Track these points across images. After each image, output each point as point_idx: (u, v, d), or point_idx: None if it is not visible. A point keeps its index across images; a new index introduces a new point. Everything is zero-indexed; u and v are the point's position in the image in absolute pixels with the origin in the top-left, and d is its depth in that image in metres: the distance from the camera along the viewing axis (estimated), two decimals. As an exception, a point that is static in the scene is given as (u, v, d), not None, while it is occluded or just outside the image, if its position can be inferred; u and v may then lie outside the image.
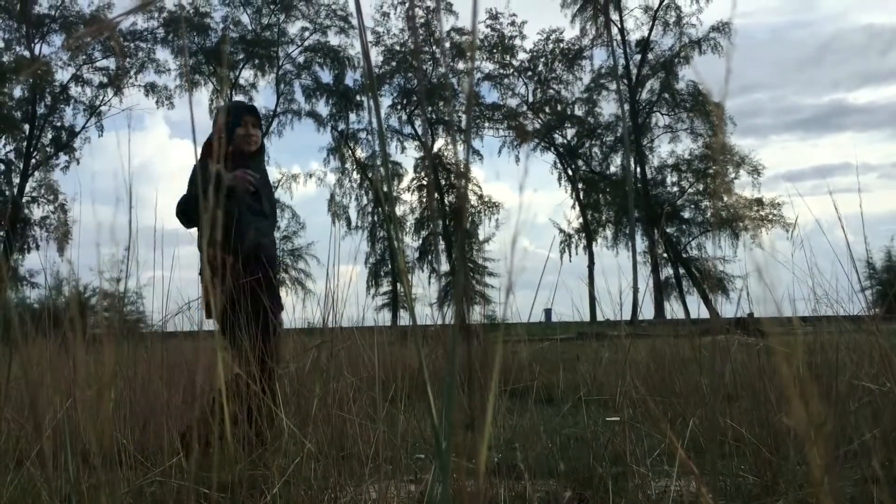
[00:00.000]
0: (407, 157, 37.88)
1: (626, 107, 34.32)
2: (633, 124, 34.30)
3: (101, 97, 33.51)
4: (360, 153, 37.64)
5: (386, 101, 37.23)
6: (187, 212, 3.34)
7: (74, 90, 33.27)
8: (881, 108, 46.32)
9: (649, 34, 34.88)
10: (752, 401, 2.66)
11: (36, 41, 32.40)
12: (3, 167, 31.71)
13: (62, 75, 32.89)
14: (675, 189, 34.54)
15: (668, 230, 33.38)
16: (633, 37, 35.51)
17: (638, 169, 34.49)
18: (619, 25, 35.39)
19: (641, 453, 2.50)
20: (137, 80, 33.93)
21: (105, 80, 33.46)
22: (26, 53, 32.03)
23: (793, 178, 44.00)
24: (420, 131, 37.16)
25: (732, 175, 33.34)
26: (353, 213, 37.17)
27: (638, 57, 35.19)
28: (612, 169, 36.32)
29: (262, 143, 3.77)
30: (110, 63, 33.36)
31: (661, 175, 35.00)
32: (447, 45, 36.73)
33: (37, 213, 32.21)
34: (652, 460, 2.50)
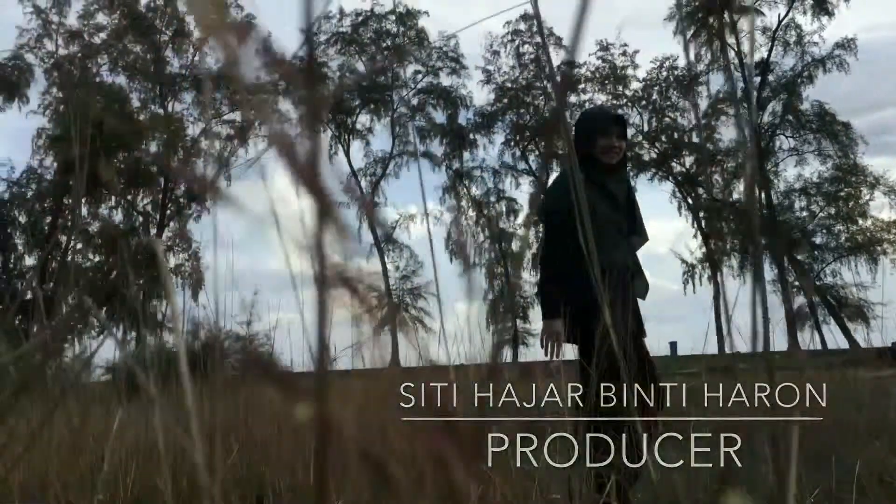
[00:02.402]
0: (522, 192, 37.78)
1: (748, 131, 33.30)
2: (755, 149, 33.23)
3: (228, 148, 35.12)
4: (475, 191, 37.93)
5: (499, 139, 37.53)
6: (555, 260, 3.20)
7: (204, 143, 35.00)
8: None
9: (769, 55, 33.90)
10: None
11: (168, 99, 34.34)
12: (141, 219, 33.56)
13: (193, 130, 34.70)
14: (805, 214, 33.20)
15: (798, 257, 32.05)
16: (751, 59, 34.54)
17: (763, 194, 33.34)
18: (736, 49, 34.53)
19: None
20: (262, 131, 35.34)
21: (232, 132, 35.04)
22: (160, 111, 33.99)
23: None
24: (534, 166, 37.17)
25: (867, 197, 31.85)
26: (469, 251, 37.29)
27: (758, 79, 34.21)
28: (735, 196, 35.26)
29: (625, 155, 3.50)
30: (236, 116, 34.97)
31: (788, 200, 33.73)
32: (558, 79, 36.69)
33: (172, 261, 33.86)
34: None
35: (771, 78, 34.03)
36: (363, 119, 37.16)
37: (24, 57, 32.80)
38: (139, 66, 34.03)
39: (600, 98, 36.83)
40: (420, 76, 37.39)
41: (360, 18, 36.69)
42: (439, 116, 37.51)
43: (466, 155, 37.43)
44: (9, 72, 32.40)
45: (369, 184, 37.02)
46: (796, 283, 31.61)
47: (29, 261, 31.33)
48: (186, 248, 34.00)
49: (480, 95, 47.06)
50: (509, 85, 36.95)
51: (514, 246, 37.37)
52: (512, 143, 37.33)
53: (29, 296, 29.62)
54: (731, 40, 34.68)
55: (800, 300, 31.99)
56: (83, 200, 32.44)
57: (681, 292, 34.59)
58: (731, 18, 36.35)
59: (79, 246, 32.77)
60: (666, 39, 36.29)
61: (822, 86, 33.60)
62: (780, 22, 33.53)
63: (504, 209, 37.54)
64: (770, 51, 33.81)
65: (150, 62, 34.07)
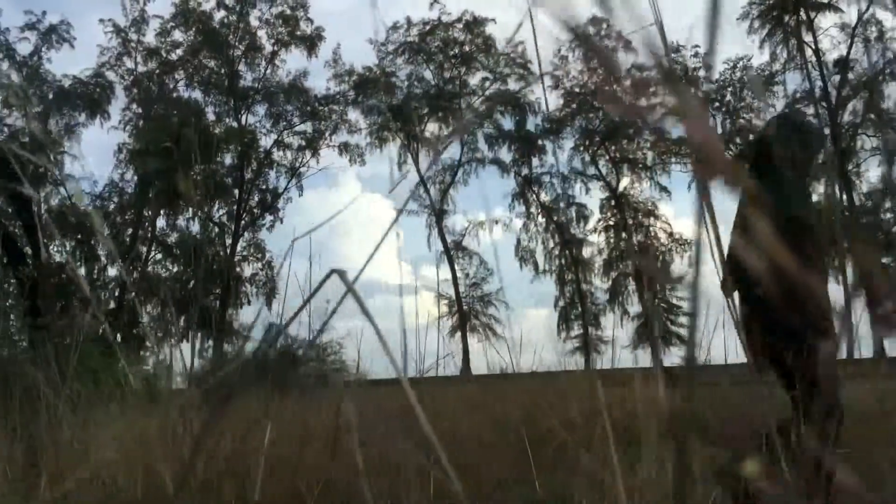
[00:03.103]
0: (592, 198, 37.36)
1: (827, 131, 32.28)
2: (835, 149, 32.15)
3: (300, 159, 35.71)
4: (545, 196, 37.69)
5: (568, 144, 37.23)
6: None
7: (276, 154, 35.70)
8: None
9: (848, 53, 32.76)
10: None
11: (242, 112, 35.13)
12: (217, 230, 34.39)
13: (265, 141, 35.41)
14: (891, 215, 31.90)
15: (884, 259, 30.80)
16: (830, 57, 33.49)
17: (844, 196, 32.21)
18: (814, 47, 33.52)
19: None
20: (331, 141, 35.88)
21: (303, 142, 35.64)
22: (234, 124, 34.81)
23: None
24: (604, 171, 36.77)
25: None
26: (539, 258, 37.12)
27: (836, 78, 33.12)
28: (815, 198, 34.11)
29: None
30: (307, 127, 35.58)
31: (871, 201, 32.49)
32: (628, 83, 36.24)
33: (247, 270, 34.61)
34: None
35: (851, 76, 32.86)
36: (431, 127, 37.36)
37: (105, 75, 34.01)
38: (214, 81, 34.92)
39: (670, 101, 36.15)
40: (488, 83, 37.42)
41: (428, 28, 36.91)
42: (507, 123, 37.45)
43: (535, 161, 37.28)
44: (91, 89, 33.63)
45: (438, 192, 37.15)
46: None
47: (111, 271, 32.41)
48: (260, 257, 34.70)
49: (549, 101, 46.81)
50: (577, 90, 36.61)
51: (585, 252, 36.98)
52: (581, 148, 36.98)
53: (112, 305, 30.65)
54: (807, 38, 33.74)
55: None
56: (161, 212, 33.40)
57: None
58: (808, 15, 35.25)
59: (158, 256, 33.76)
60: (739, 39, 35.34)
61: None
62: (859, 18, 32.38)
63: (574, 215, 37.19)
64: (850, 48, 32.66)
65: (224, 76, 34.91)
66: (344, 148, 36.04)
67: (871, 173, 33.24)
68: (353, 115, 36.62)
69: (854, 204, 32.23)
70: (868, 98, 32.40)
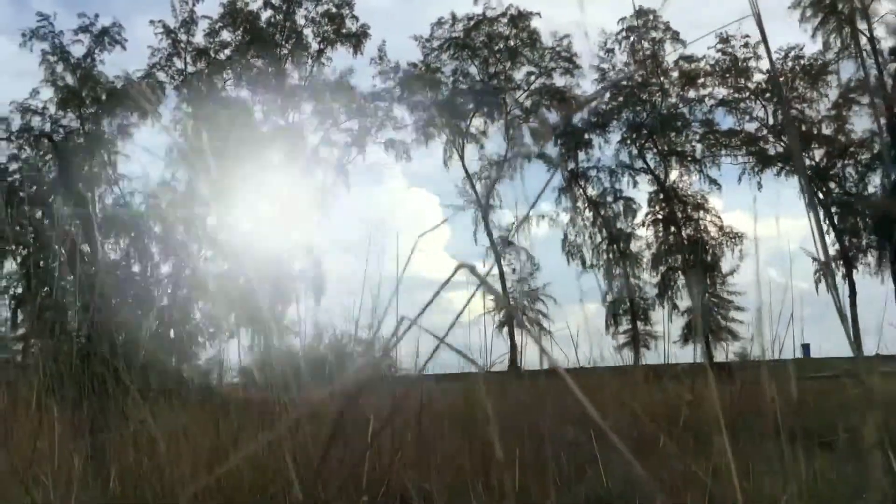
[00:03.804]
0: (640, 191, 36.91)
1: (883, 121, 31.43)
2: (891, 139, 31.29)
3: (346, 156, 35.92)
4: (591, 191, 37.36)
5: (615, 137, 36.85)
6: None
7: (323, 151, 35.94)
8: None
9: (905, 40, 31.82)
10: None
11: (289, 110, 35.47)
12: (265, 227, 34.80)
13: (313, 139, 35.68)
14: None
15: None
16: (885, 45, 32.56)
17: (902, 188, 31.32)
18: (868, 34, 32.62)
19: None
20: (378, 138, 36.01)
21: (349, 139, 35.85)
22: (282, 122, 35.16)
23: None
24: (652, 165, 36.31)
25: None
26: (587, 252, 36.83)
27: (892, 66, 32.19)
28: (871, 189, 33.29)
29: None
30: (353, 124, 35.75)
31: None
32: (675, 74, 35.87)
33: (296, 266, 34.92)
34: None
35: (908, 63, 31.92)
36: (477, 122, 37.29)
37: (156, 75, 34.58)
38: (261, 80, 35.30)
39: (721, 92, 35.63)
40: (533, 77, 37.22)
41: (472, 23, 36.84)
42: (553, 117, 37.19)
43: (581, 155, 36.98)
44: (142, 90, 34.26)
45: (484, 187, 37.08)
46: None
47: (164, 269, 33.00)
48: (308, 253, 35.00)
49: (596, 94, 46.39)
50: (625, 83, 36.20)
51: (633, 246, 36.57)
52: (628, 142, 36.58)
53: (165, 302, 31.25)
54: (862, 26, 32.85)
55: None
56: (212, 210, 33.89)
57: (812, 291, 32.91)
58: (863, 3, 34.39)
59: (209, 254, 34.28)
60: (792, 29, 34.54)
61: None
62: (917, 3, 31.41)
63: (622, 209, 36.80)
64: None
65: (272, 75, 35.28)
66: (390, 144, 36.19)
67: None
68: (399, 111, 36.74)
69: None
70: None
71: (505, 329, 34.49)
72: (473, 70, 37.34)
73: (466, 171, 37.03)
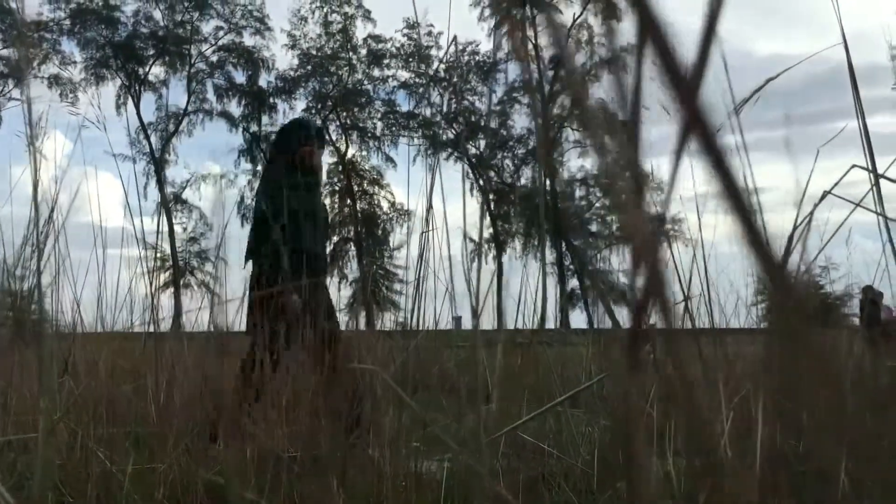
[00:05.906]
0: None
1: (539, 120, 35.05)
2: (544, 139, 35.01)
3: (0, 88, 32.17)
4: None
5: (300, 105, 37.03)
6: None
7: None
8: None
9: (562, 52, 35.65)
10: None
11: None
12: None
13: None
14: (584, 203, 35.51)
15: (574, 242, 34.26)
16: (548, 53, 36.29)
17: (548, 182, 35.23)
18: (534, 41, 36.12)
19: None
20: (40, 72, 32.66)
21: (5, 70, 32.11)
22: None
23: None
24: (335, 137, 37.05)
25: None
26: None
27: (550, 73, 36.01)
28: (523, 181, 37.05)
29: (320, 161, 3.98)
30: (11, 53, 32.03)
31: (569, 189, 35.91)
32: (363, 52, 36.89)
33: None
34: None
35: (562, 73, 35.86)
36: (157, 70, 35.35)
37: None
38: None
39: (404, 75, 37.34)
40: (222, 33, 36.09)
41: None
42: (239, 76, 36.45)
43: (265, 118, 36.68)
44: None
45: (160, 139, 35.34)
46: (571, 267, 33.80)
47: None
48: None
49: (284, 60, 45.87)
50: (314, 52, 36.48)
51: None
52: (313, 111, 36.94)
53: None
54: (530, 33, 36.34)
55: (573, 283, 34.32)
56: None
57: (468, 269, 35.81)
58: (532, 12, 37.74)
59: None
60: (471, 25, 37.17)
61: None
62: (574, 20, 35.45)
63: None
64: (563, 48, 35.58)
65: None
66: (55, 80, 33.03)
67: (572, 163, 36.68)
68: (68, 46, 33.64)
69: (555, 190, 35.42)
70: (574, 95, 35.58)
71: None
72: (158, 15, 35.26)
73: (141, 121, 34.98)
